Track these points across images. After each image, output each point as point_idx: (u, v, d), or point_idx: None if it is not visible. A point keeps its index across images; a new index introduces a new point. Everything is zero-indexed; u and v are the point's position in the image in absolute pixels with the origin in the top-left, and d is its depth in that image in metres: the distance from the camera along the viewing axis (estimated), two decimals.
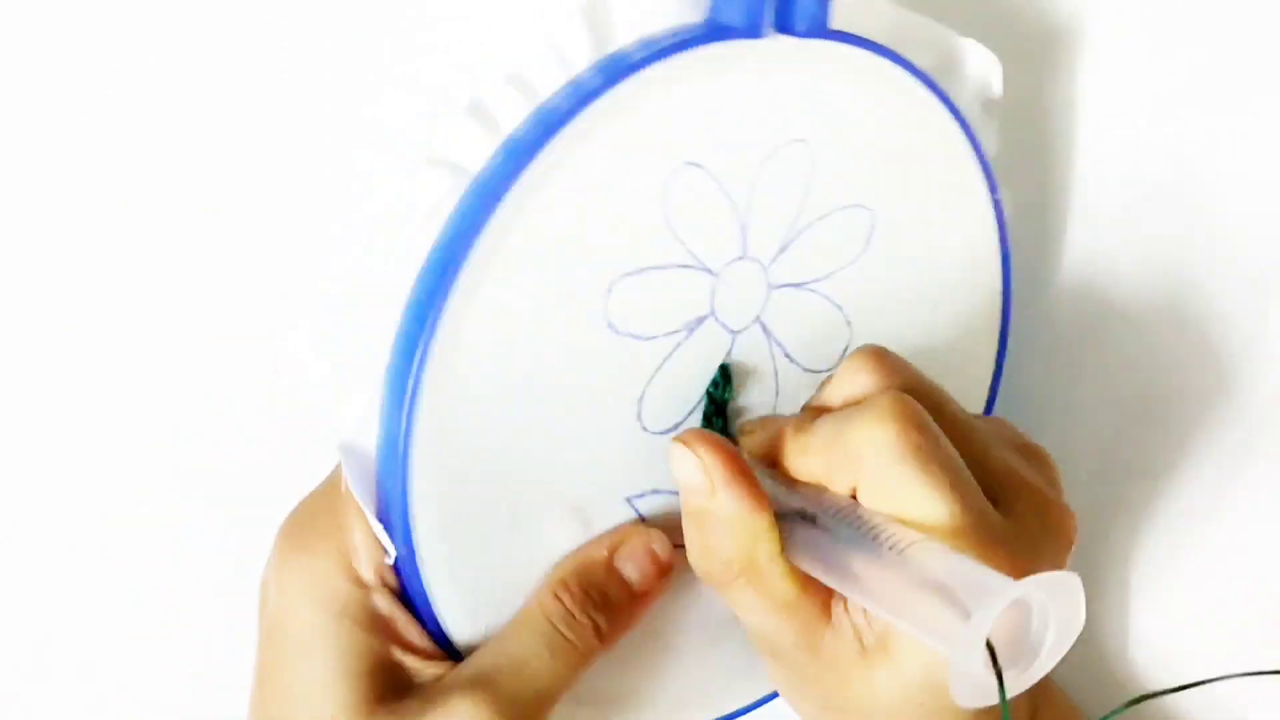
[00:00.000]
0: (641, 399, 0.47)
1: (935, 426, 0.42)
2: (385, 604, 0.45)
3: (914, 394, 0.43)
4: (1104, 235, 0.57)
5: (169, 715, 0.54)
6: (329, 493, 0.45)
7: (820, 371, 0.51)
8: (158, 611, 0.54)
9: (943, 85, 0.50)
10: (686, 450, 0.43)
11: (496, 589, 0.46)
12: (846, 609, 0.43)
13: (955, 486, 0.41)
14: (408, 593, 0.45)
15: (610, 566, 0.47)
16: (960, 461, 0.42)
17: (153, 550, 0.54)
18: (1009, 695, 0.37)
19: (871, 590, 0.40)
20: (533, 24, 0.45)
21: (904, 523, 0.41)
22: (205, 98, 0.52)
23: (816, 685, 0.44)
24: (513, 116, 0.44)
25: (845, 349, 0.51)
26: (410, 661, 0.45)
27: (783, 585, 0.43)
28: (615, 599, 0.46)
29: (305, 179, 0.52)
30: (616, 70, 0.44)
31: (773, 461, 0.45)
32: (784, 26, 0.46)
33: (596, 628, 0.46)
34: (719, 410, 0.49)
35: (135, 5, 0.51)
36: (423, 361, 0.43)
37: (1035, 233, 0.57)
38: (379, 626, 0.44)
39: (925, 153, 0.50)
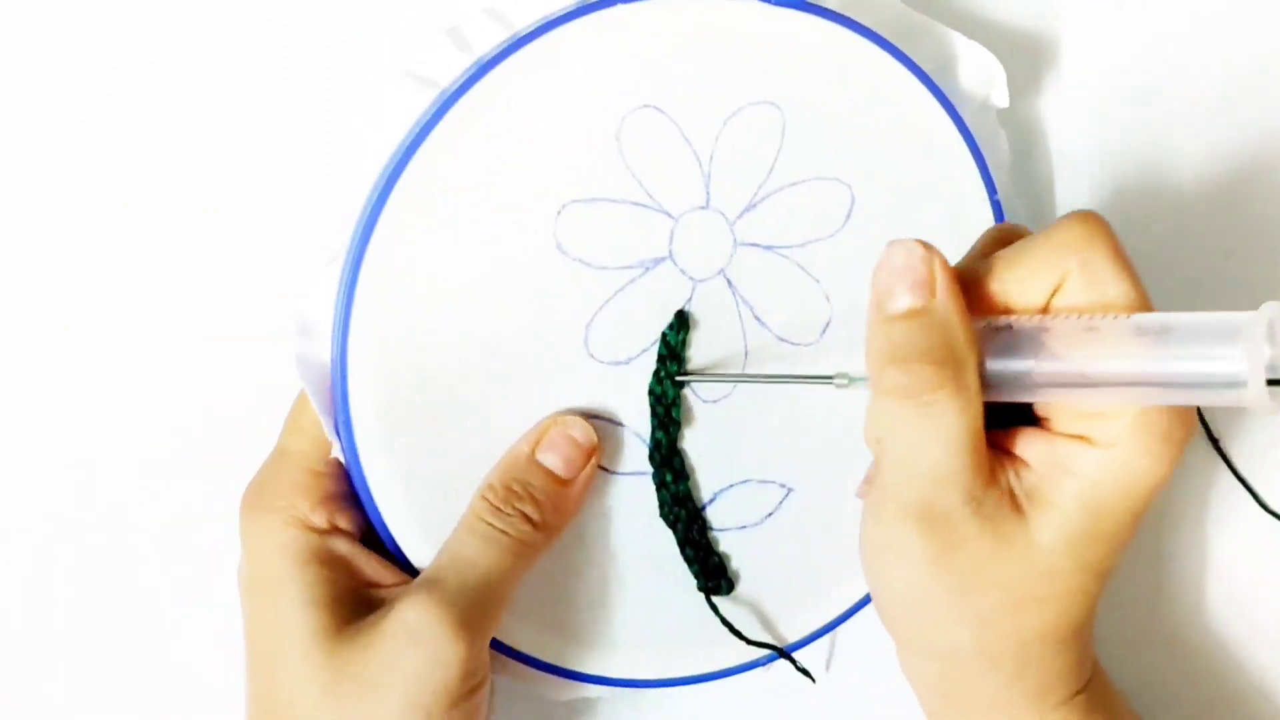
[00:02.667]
0: (589, 325, 0.50)
1: None
2: (344, 546, 0.48)
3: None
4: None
5: (168, 715, 0.55)
6: (277, 460, 0.49)
7: (799, 344, 0.52)
8: (157, 608, 0.55)
9: (942, 85, 0.52)
10: (911, 243, 0.43)
11: (441, 504, 0.49)
12: (1003, 470, 0.44)
13: (1139, 280, 0.43)
14: (366, 516, 0.49)
15: (532, 459, 0.49)
16: None
17: (151, 551, 0.54)
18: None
19: (1101, 374, 0.41)
20: None
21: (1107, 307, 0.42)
22: (202, 99, 0.54)
23: (962, 555, 0.44)
24: (486, 43, 0.49)
25: (826, 324, 0.52)
26: (375, 593, 0.49)
27: (977, 408, 0.43)
28: (541, 489, 0.49)
29: (303, 176, 0.54)
30: (587, 4, 0.48)
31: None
32: None
33: (527, 518, 0.48)
34: (672, 354, 0.51)
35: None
36: (364, 242, 0.47)
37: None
38: (340, 565, 0.48)
39: (917, 145, 0.52)
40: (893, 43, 0.51)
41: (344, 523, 0.49)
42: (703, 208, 0.50)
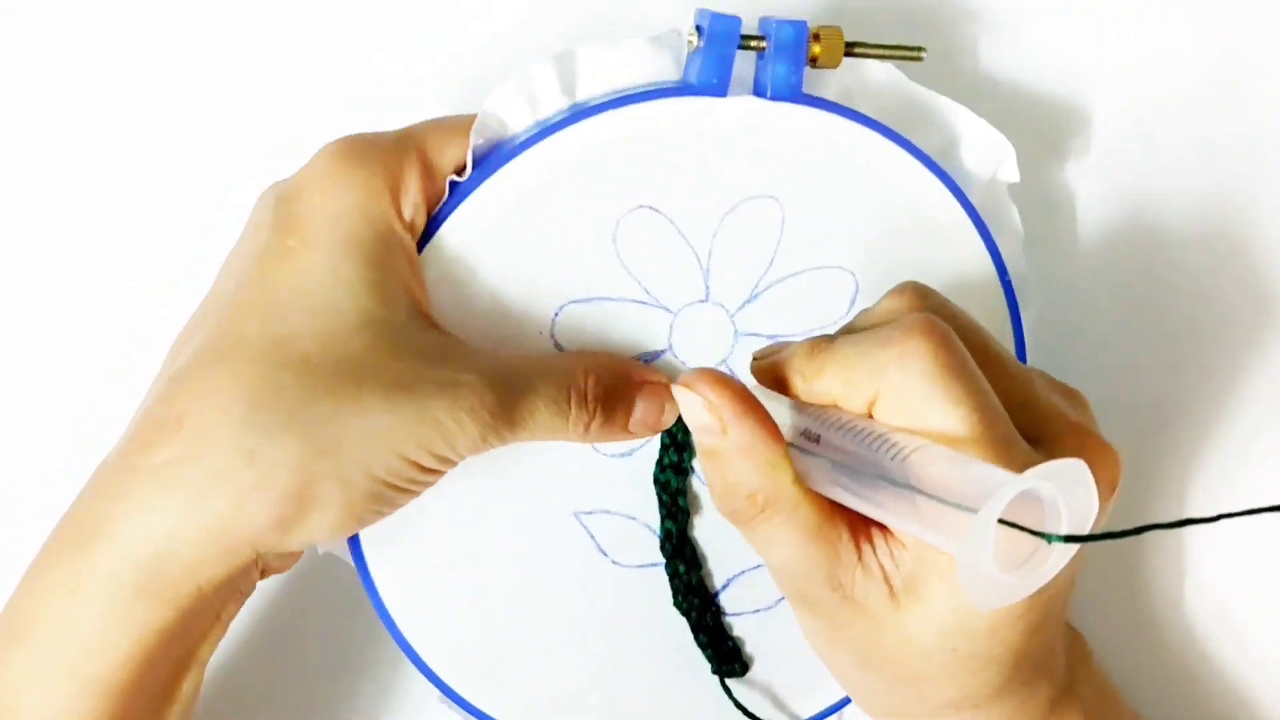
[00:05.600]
0: None
1: (964, 349, 0.42)
2: (411, 245, 0.46)
3: (955, 328, 0.43)
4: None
5: None
6: (394, 136, 0.47)
7: None
8: None
9: (946, 166, 0.52)
10: (689, 392, 0.44)
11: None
12: (875, 551, 0.43)
13: (980, 405, 0.41)
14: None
15: (633, 390, 0.49)
16: (988, 386, 0.42)
17: None
18: (1022, 596, 0.38)
19: (877, 498, 0.40)
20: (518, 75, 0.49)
21: (923, 436, 0.41)
22: (199, 102, 0.55)
23: (850, 634, 0.44)
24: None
25: None
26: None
27: (807, 511, 0.43)
28: (616, 418, 0.49)
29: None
30: (580, 111, 0.49)
31: (781, 387, 0.45)
32: (756, 89, 0.50)
33: (588, 426, 0.48)
34: (675, 443, 0.51)
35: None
36: None
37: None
38: (408, 256, 0.46)
39: (920, 228, 0.51)
40: (893, 127, 0.51)
41: (420, 223, 0.47)
42: (702, 301, 0.51)
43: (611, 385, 0.48)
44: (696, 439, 0.45)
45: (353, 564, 0.50)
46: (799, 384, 0.44)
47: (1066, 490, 0.37)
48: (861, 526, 0.44)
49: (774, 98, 0.49)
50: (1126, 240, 0.57)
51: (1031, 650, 0.44)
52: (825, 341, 0.44)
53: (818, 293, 0.51)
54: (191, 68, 0.55)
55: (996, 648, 0.43)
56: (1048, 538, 0.36)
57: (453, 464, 0.46)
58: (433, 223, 0.48)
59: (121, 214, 0.55)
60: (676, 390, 0.44)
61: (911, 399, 0.41)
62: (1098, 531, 0.37)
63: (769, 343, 0.51)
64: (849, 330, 0.45)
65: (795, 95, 0.49)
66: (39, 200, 0.55)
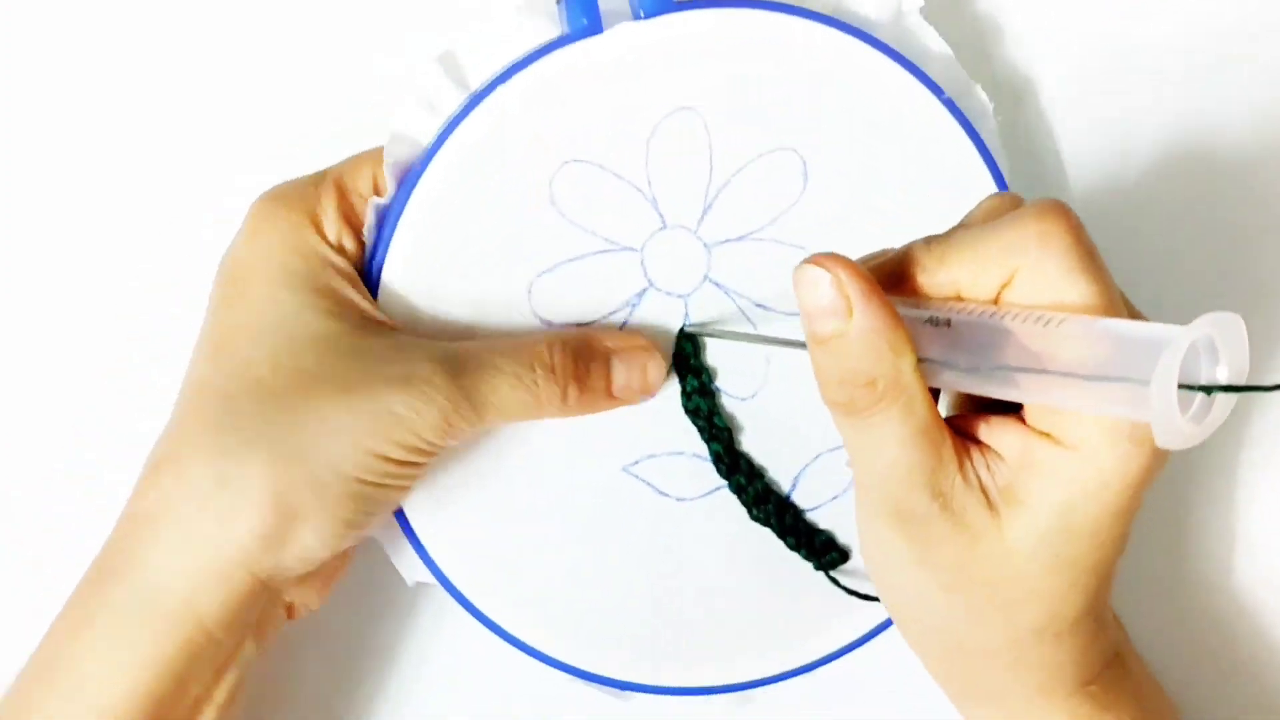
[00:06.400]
0: None
1: None
2: (344, 264, 0.49)
3: None
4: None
5: None
6: (310, 176, 0.50)
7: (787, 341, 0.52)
8: None
9: (845, 15, 0.52)
10: (818, 269, 0.42)
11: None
12: (972, 463, 0.43)
13: (1110, 282, 0.42)
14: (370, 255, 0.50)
15: (605, 358, 0.50)
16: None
17: None
18: (1196, 442, 0.38)
19: (1032, 378, 0.40)
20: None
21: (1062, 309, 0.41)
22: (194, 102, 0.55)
23: (941, 553, 0.44)
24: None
25: None
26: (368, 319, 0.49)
27: (921, 405, 0.43)
28: (593, 384, 0.50)
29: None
30: (474, 97, 0.50)
31: (895, 285, 0.44)
32: (634, 13, 0.50)
33: (564, 397, 0.49)
34: (691, 370, 0.52)
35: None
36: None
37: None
38: (342, 273, 0.49)
39: (845, 83, 0.51)
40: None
41: (350, 245, 0.49)
42: (662, 229, 0.52)
43: (580, 351, 0.50)
44: (813, 324, 0.43)
45: (445, 590, 0.52)
46: (920, 277, 0.43)
47: (1225, 341, 0.38)
48: (957, 439, 0.44)
49: (648, 15, 0.50)
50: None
51: (1111, 572, 0.44)
52: (941, 235, 0.44)
53: (769, 177, 0.52)
54: (192, 68, 0.56)
55: (1095, 553, 0.43)
56: (1209, 389, 0.38)
57: (427, 453, 0.47)
58: (375, 255, 0.50)
59: (121, 214, 0.56)
60: (801, 269, 0.42)
61: (1052, 274, 0.41)
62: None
63: (741, 244, 0.52)
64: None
65: (667, 5, 0.50)
66: (39, 201, 0.56)
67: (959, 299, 0.43)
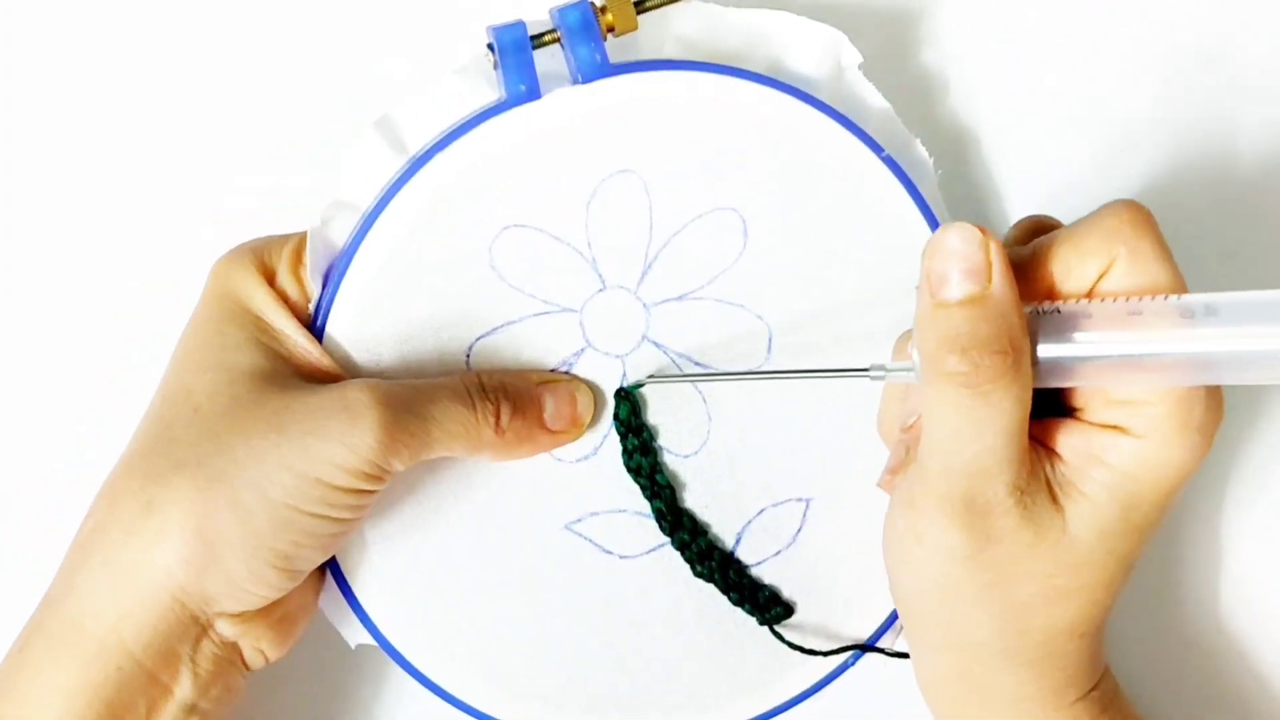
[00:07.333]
0: None
1: None
2: (286, 314, 0.49)
3: None
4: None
5: None
6: (274, 237, 0.51)
7: (748, 373, 0.53)
8: None
9: (783, 75, 0.52)
10: (968, 227, 0.43)
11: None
12: (1042, 459, 0.45)
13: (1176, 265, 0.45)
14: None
15: (535, 390, 0.51)
16: None
17: None
18: None
19: (1160, 351, 0.43)
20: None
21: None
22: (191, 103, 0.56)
23: (998, 550, 0.45)
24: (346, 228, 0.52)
25: (769, 340, 0.53)
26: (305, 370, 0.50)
27: (1030, 393, 0.43)
28: (527, 416, 0.50)
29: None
30: (414, 163, 0.50)
31: None
32: (571, 78, 0.51)
33: (498, 417, 0.49)
34: (631, 429, 0.53)
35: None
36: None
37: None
38: (288, 319, 0.49)
39: (781, 140, 0.52)
40: (718, 60, 0.51)
41: (298, 298, 0.50)
42: (601, 290, 0.52)
43: (508, 382, 0.50)
44: (947, 288, 0.43)
45: (386, 653, 0.52)
46: (1035, 268, 0.45)
47: None
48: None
49: (586, 80, 0.50)
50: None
51: (1133, 565, 0.47)
52: (1025, 239, 0.47)
53: (709, 237, 0.52)
54: (192, 68, 0.56)
55: (1137, 549, 0.46)
56: None
57: (370, 476, 0.47)
58: (318, 317, 0.50)
59: (122, 214, 0.56)
60: (943, 231, 0.43)
61: (1149, 256, 0.44)
62: None
63: (681, 304, 0.52)
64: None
65: (604, 70, 0.50)
66: (39, 201, 0.56)
67: (1052, 298, 0.45)
